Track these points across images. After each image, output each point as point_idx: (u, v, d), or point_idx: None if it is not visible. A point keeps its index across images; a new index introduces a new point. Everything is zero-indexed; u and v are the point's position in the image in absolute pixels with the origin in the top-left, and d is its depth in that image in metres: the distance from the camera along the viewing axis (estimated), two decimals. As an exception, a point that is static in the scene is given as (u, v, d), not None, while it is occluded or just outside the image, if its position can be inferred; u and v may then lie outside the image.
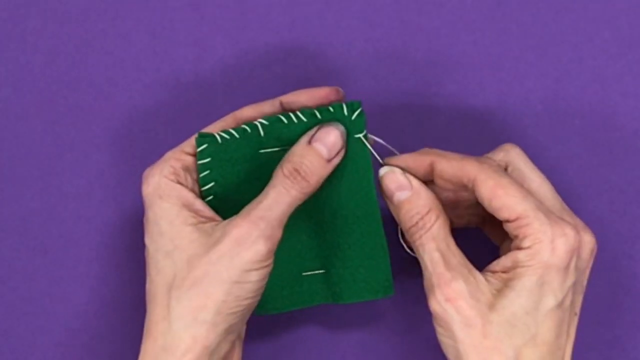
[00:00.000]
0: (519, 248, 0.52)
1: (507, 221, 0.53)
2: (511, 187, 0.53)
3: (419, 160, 0.55)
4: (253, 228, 0.52)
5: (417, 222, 0.54)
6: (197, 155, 0.56)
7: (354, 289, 0.57)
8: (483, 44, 0.63)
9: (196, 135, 0.56)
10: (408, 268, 0.62)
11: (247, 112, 0.57)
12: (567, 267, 0.52)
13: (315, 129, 0.55)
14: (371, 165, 0.56)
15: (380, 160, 0.57)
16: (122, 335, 0.62)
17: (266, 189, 0.53)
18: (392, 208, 0.56)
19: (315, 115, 0.55)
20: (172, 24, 0.64)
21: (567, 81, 0.63)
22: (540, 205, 0.52)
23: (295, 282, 0.58)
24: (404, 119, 0.63)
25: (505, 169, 0.56)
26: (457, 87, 0.63)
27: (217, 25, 0.64)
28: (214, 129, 0.56)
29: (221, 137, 0.55)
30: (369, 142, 0.55)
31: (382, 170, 0.56)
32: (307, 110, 0.55)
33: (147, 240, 0.54)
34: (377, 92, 0.63)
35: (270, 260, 0.53)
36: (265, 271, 0.53)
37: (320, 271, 0.58)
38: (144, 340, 0.53)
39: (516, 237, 0.53)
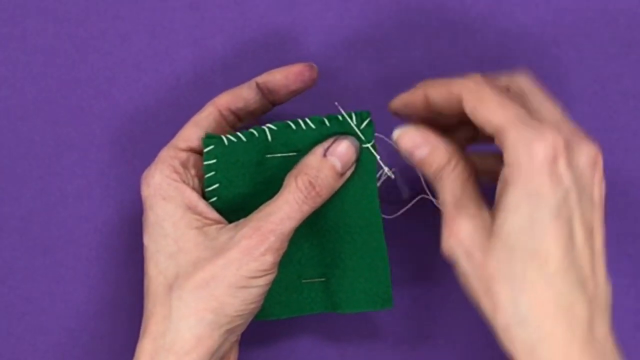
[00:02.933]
0: (505, 165, 0.49)
1: (492, 137, 0.50)
2: (490, 98, 0.49)
3: (415, 95, 0.53)
4: (263, 241, 0.52)
5: (437, 174, 0.52)
6: (203, 156, 0.55)
7: (352, 299, 0.57)
8: (483, 44, 0.63)
9: (203, 136, 0.56)
10: (409, 279, 0.62)
11: (226, 97, 0.57)
12: (552, 174, 0.48)
13: (330, 140, 0.55)
14: (376, 176, 0.56)
15: (385, 169, 0.56)
16: (122, 335, 0.62)
17: (278, 200, 0.53)
18: (414, 164, 0.54)
19: (324, 123, 0.55)
20: (172, 24, 0.64)
21: (567, 81, 0.63)
22: (522, 114, 0.49)
23: (295, 289, 0.57)
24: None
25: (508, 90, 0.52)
26: (457, 87, 0.63)
27: (217, 25, 0.64)
28: (198, 119, 0.56)
29: (228, 139, 0.55)
30: (376, 152, 0.55)
31: (396, 133, 0.54)
32: (316, 118, 0.55)
33: (147, 241, 0.54)
34: (377, 92, 0.63)
35: (276, 267, 0.53)
36: (272, 277, 0.53)
37: (321, 279, 0.57)
38: (141, 339, 0.53)
39: (503, 154, 0.50)
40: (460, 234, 0.50)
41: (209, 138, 0.55)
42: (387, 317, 0.62)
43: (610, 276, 0.63)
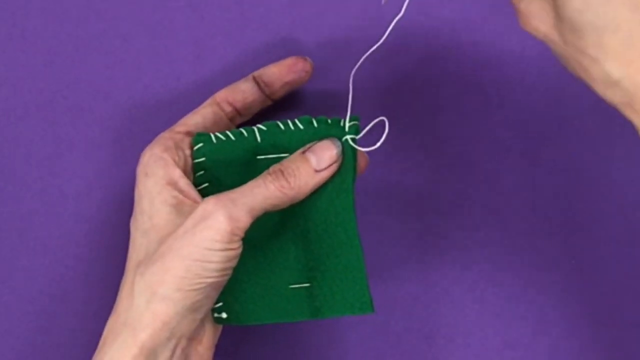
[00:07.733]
0: None
1: None
2: None
3: None
4: (219, 206, 0.51)
5: None
6: (193, 154, 0.56)
7: (332, 303, 0.55)
8: (483, 44, 0.63)
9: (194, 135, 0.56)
10: (408, 279, 0.62)
11: (224, 93, 0.59)
12: None
13: (314, 142, 0.55)
14: (353, 174, 0.55)
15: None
16: (122, 335, 0.62)
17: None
18: None
19: (312, 123, 0.55)
20: (172, 24, 0.64)
21: (567, 81, 0.63)
22: None
23: (282, 295, 0.56)
24: (403, 118, 0.63)
25: None
26: (457, 87, 0.63)
27: (217, 25, 0.64)
28: (199, 109, 0.58)
29: (216, 137, 0.56)
30: (357, 147, 0.55)
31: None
32: (304, 118, 0.56)
33: (131, 220, 0.55)
34: (377, 92, 0.63)
35: (236, 245, 0.52)
36: (229, 254, 0.52)
37: (306, 284, 0.56)
38: (110, 317, 0.53)
39: None
40: (533, 23, 0.48)
41: (198, 136, 0.56)
42: (387, 317, 0.62)
43: (611, 276, 0.63)
